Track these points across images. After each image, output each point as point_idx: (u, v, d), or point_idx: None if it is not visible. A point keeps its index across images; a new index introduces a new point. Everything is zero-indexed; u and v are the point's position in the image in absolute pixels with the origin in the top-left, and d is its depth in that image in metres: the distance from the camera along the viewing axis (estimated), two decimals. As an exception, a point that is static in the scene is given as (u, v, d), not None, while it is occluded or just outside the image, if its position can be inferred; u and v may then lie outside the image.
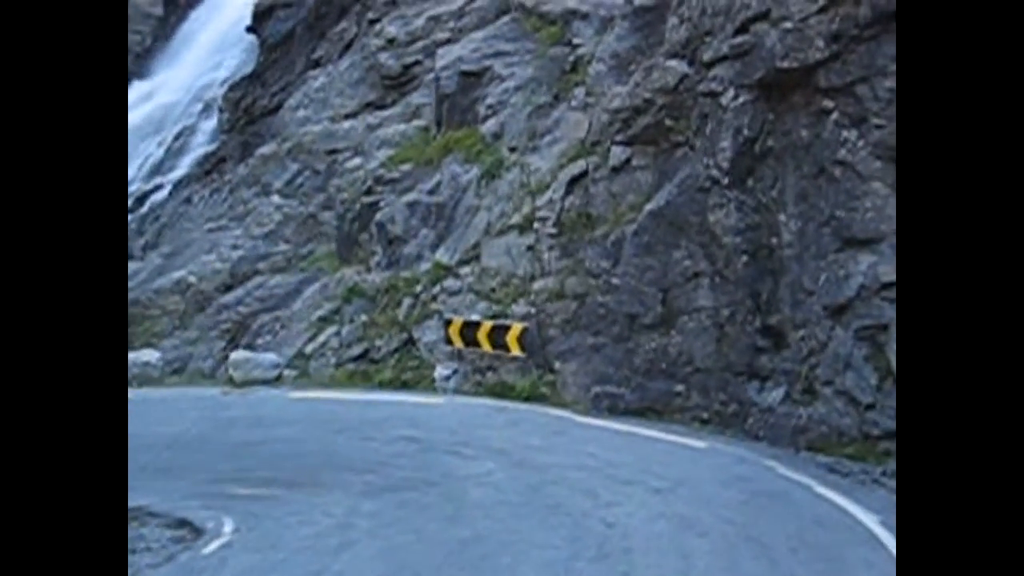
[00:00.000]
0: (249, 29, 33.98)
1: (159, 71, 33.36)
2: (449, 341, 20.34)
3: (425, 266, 22.57)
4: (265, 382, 21.16)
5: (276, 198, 29.98)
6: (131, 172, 31.04)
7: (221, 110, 33.01)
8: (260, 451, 15.12)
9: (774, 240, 15.93)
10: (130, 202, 31.05)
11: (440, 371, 20.48)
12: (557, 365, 19.11)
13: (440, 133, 25.67)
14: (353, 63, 31.98)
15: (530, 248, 20.85)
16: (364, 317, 22.57)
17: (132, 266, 27.00)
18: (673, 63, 18.56)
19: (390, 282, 22.78)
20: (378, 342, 21.99)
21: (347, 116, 30.68)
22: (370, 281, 23.24)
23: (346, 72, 31.69)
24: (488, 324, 19.86)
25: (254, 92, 32.77)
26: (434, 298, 21.69)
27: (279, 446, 15.45)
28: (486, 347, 19.83)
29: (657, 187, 18.45)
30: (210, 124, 33.32)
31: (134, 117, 31.48)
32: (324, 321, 23.07)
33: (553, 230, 20.43)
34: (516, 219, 21.34)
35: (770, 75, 15.70)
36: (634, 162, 19.51)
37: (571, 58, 22.80)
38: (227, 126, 32.20)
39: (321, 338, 22.70)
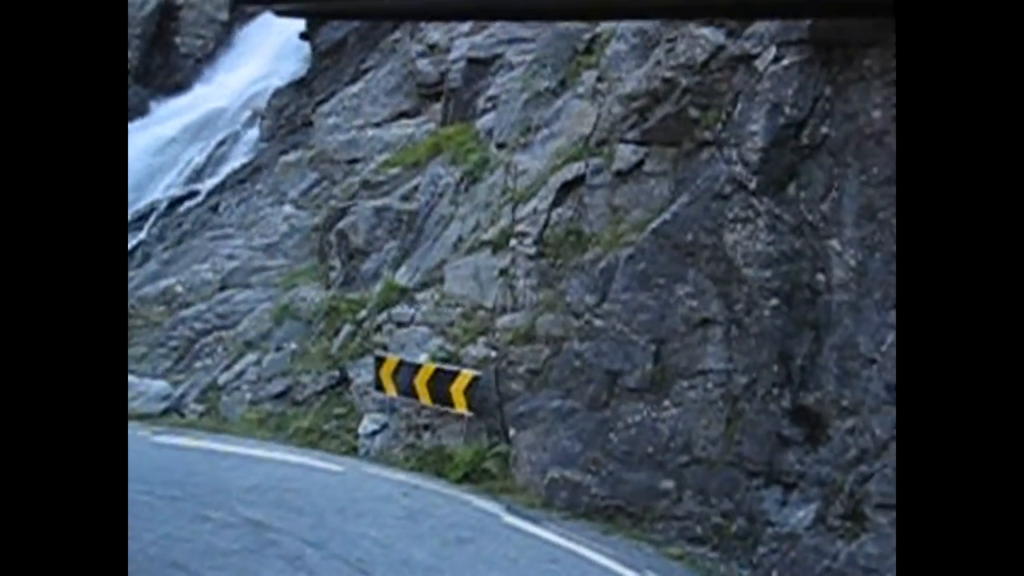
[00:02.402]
0: (302, 36, 30.88)
1: (216, 77, 31.52)
2: (380, 386, 15.18)
3: (378, 287, 17.53)
4: (146, 417, 16.21)
5: (288, 208, 25.99)
6: (170, 177, 28.51)
7: (262, 118, 30.08)
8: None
9: (819, 278, 10.52)
10: (162, 207, 27.95)
11: (366, 424, 15.33)
12: (512, 432, 13.80)
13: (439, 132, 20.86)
14: (392, 70, 27.95)
15: (502, 272, 15.65)
16: (294, 345, 17.57)
17: (131, 272, 23.38)
18: (706, 32, 13.26)
19: (330, 304, 17.75)
20: (304, 378, 16.93)
21: (377, 124, 26.60)
22: (309, 300, 18.25)
23: (383, 79, 27.65)
24: (430, 367, 14.66)
25: (298, 100, 29.63)
26: (379, 328, 16.58)
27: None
28: (424, 398, 14.62)
29: (673, 201, 13.13)
30: (254, 132, 30.77)
31: (182, 122, 28.66)
32: (249, 346, 18.12)
33: (531, 250, 15.20)
34: (491, 233, 16.17)
35: (830, 28, 10.32)
36: (647, 166, 14.23)
37: (587, 36, 17.60)
38: (267, 134, 29.13)
39: (238, 367, 17.72)
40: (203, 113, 30.82)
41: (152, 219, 27.69)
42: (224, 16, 38.66)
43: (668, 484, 11.73)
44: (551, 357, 14.15)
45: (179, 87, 28.52)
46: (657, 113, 13.98)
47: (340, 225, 20.14)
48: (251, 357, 17.63)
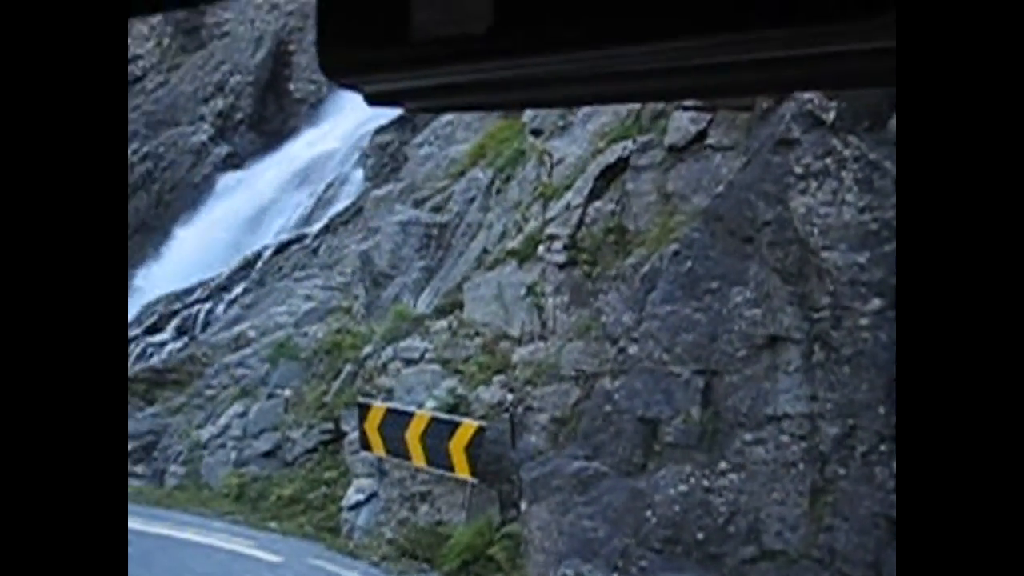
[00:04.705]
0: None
1: (328, 120, 30.10)
2: (365, 443, 11.53)
3: (389, 316, 14.01)
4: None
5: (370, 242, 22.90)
6: (280, 222, 26.82)
7: (367, 156, 28.08)
8: None
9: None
10: (266, 254, 26.03)
11: (351, 494, 11.70)
12: (524, 506, 9.93)
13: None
14: (486, 94, 24.81)
15: (529, 289, 11.87)
16: (288, 392, 14.15)
17: (217, 317, 21.17)
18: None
19: (333, 339, 14.28)
20: (295, 433, 13.47)
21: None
22: (311, 336, 14.85)
23: (477, 103, 24.45)
24: (423, 417, 10.95)
25: (401, 136, 27.35)
26: (384, 368, 12.96)
27: None
28: (417, 459, 10.90)
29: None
30: (360, 173, 29.21)
31: (292, 167, 27.08)
32: (244, 394, 14.80)
33: (562, 257, 11.38)
34: (518, 241, 12.43)
35: None
36: (711, 137, 10.30)
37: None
38: (371, 174, 26.97)
39: (223, 420, 14.39)
40: (314, 156, 29.46)
41: (259, 265, 25.23)
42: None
43: (726, 590, 7.65)
44: (582, 399, 10.28)
45: (293, 132, 27.68)
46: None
47: (362, 247, 16.80)
48: (237, 408, 14.27)
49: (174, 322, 21.66)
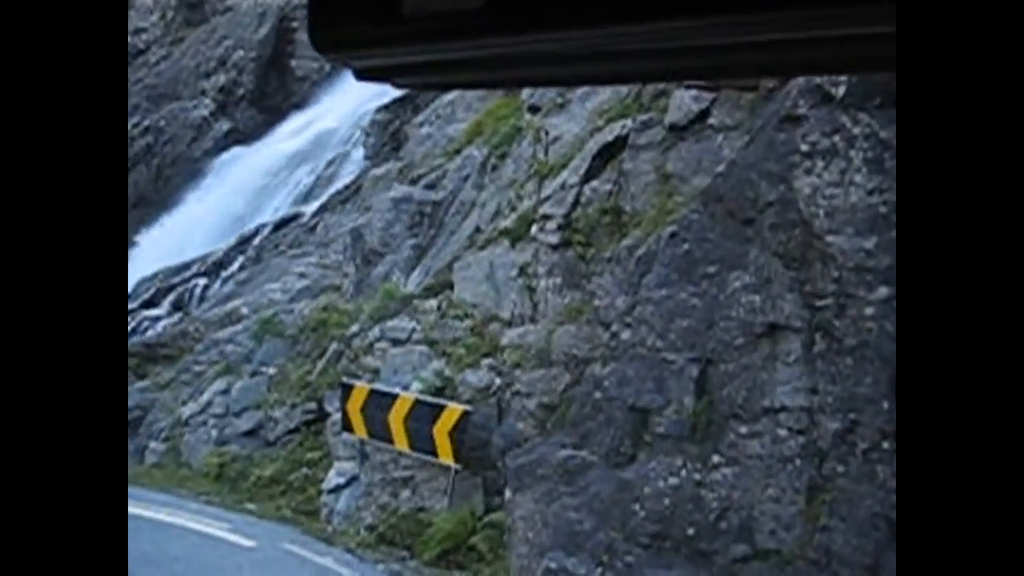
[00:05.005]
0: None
1: (331, 98, 29.88)
2: (347, 424, 11.15)
3: (377, 295, 13.61)
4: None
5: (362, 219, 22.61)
6: (280, 199, 26.73)
7: (367, 135, 27.90)
8: None
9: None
10: (266, 231, 25.91)
11: (332, 477, 11.33)
12: (509, 494, 9.56)
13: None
14: (488, 73, 24.41)
15: (522, 271, 11.48)
16: (272, 369, 13.77)
17: (211, 293, 20.97)
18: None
19: (319, 317, 13.89)
20: (277, 412, 13.09)
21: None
22: (296, 313, 14.45)
23: (478, 83, 24.10)
24: (407, 400, 10.57)
25: (402, 116, 27.09)
26: (370, 348, 12.57)
27: None
28: (400, 443, 10.52)
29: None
30: (361, 152, 29.08)
31: (294, 144, 27.02)
32: (228, 372, 14.41)
33: (555, 238, 10.99)
34: (511, 220, 12.02)
35: None
36: (713, 117, 9.92)
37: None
38: (371, 152, 26.72)
39: (206, 397, 14.01)
40: (315, 134, 29.38)
41: (256, 242, 25.10)
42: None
43: (716, 590, 7.28)
44: (571, 386, 9.90)
45: (295, 109, 27.65)
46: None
47: (353, 223, 16.40)
48: (219, 385, 13.88)
49: (170, 297, 21.50)
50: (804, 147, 6.61)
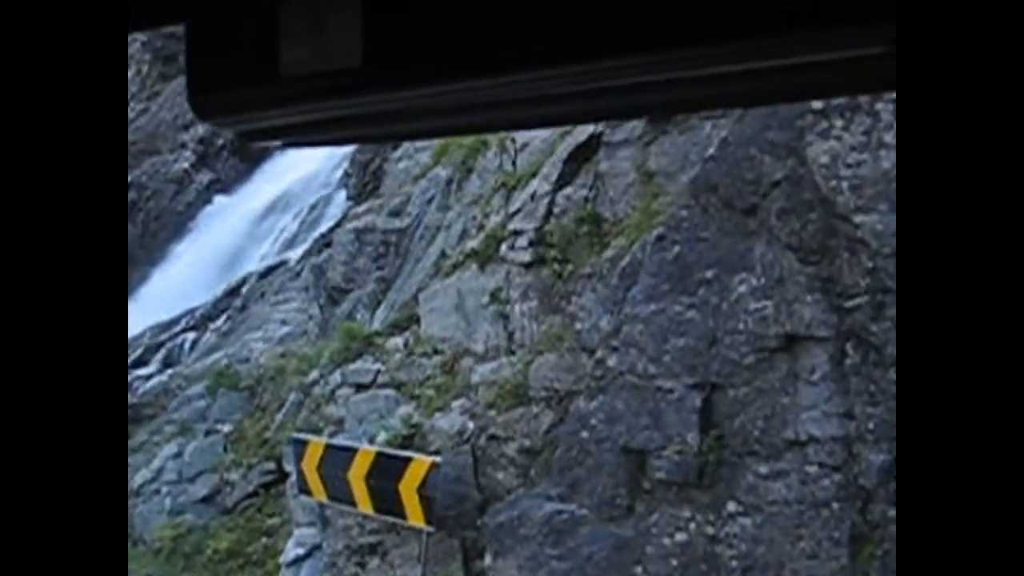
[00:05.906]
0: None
1: None
2: (305, 487, 9.68)
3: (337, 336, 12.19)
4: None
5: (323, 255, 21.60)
6: (266, 247, 25.91)
7: (348, 175, 27.16)
8: None
9: None
10: (253, 279, 24.99)
11: (290, 548, 9.84)
12: (489, 559, 8.09)
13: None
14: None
15: (493, 296, 10.06)
16: (227, 427, 12.32)
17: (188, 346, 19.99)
18: None
19: (276, 364, 12.47)
20: (234, 475, 11.63)
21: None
22: (252, 362, 13.04)
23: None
24: (367, 454, 9.10)
25: (383, 152, 26.35)
26: (332, 395, 11.13)
27: None
28: (363, 504, 9.05)
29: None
30: (343, 193, 28.42)
31: (278, 188, 26.43)
32: (182, 432, 12.96)
33: (527, 255, 9.59)
34: (478, 241, 10.62)
35: None
36: (698, 103, 8.42)
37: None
38: (354, 192, 25.84)
39: (156, 463, 12.54)
40: (298, 178, 28.74)
41: (244, 291, 24.03)
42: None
43: (743, 673, 5.80)
44: (554, 426, 8.44)
45: (275, 155, 27.07)
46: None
47: (316, 260, 15.04)
48: (171, 449, 12.41)
49: (159, 354, 20.49)
50: (817, 104, 5.21)
